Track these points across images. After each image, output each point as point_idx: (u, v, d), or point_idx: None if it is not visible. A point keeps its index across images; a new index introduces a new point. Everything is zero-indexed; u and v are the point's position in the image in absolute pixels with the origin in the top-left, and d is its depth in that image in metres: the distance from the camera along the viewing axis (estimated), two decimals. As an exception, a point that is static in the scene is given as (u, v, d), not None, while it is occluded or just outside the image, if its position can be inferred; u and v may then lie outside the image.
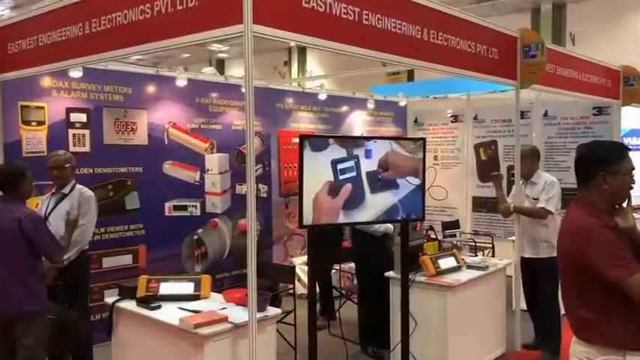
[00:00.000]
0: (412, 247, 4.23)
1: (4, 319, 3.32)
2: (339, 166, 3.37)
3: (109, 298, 3.69)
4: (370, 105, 7.67)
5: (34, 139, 4.66)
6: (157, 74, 5.49)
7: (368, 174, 3.48)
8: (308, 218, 3.26)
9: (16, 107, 4.55)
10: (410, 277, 4.09)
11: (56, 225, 3.98)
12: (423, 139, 3.75)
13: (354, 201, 3.42)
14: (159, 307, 3.44)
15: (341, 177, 3.37)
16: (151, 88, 5.45)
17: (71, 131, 4.89)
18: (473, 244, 6.31)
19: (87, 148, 5.00)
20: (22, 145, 4.58)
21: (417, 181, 3.68)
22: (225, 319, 3.11)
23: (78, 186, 4.15)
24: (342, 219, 3.41)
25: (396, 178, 3.61)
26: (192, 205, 5.76)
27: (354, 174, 3.42)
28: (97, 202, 4.96)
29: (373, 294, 4.72)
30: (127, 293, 3.66)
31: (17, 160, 3.58)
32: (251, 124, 2.79)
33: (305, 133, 6.14)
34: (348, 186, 3.33)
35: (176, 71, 5.53)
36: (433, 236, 4.92)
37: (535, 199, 4.64)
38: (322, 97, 7.01)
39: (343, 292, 5.59)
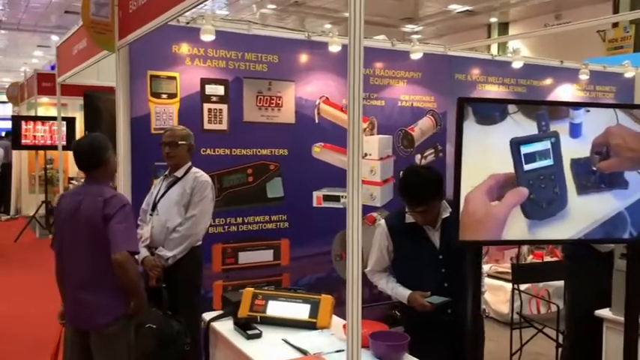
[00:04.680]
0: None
1: (80, 326, 2.72)
2: (525, 150, 2.10)
3: (207, 314, 2.91)
4: (584, 76, 5.95)
5: (164, 114, 4.10)
6: (308, 39, 4.62)
7: (574, 163, 2.15)
8: (467, 230, 2.07)
9: (146, 77, 4.02)
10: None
11: (164, 214, 3.34)
12: (676, 108, 2.27)
13: (548, 207, 2.13)
14: (258, 335, 2.55)
15: (526, 167, 2.11)
16: (300, 57, 4.61)
17: (206, 105, 4.25)
18: None
19: (224, 126, 4.33)
20: (150, 121, 4.05)
21: (661, 177, 2.23)
22: (333, 374, 2.10)
23: (193, 169, 3.46)
24: (524, 234, 2.14)
25: (624, 171, 2.21)
26: (346, 196, 4.82)
27: (549, 162, 2.13)
28: (235, 188, 4.38)
29: (586, 333, 3.26)
30: (231, 309, 2.85)
31: (97, 133, 2.99)
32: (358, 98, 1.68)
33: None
34: (521, 190, 2.05)
35: (329, 35, 4.60)
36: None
37: None
38: (517, 65, 5.53)
39: (532, 322, 4.18)
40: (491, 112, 2.10)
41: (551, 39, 12.87)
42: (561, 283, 4.54)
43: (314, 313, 2.66)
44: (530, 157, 2.10)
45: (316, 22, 15.93)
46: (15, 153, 11.37)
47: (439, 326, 2.69)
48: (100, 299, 2.62)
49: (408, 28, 17.14)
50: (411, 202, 2.74)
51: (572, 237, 2.20)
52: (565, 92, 5.97)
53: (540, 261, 5.36)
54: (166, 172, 3.53)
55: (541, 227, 2.15)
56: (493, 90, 5.54)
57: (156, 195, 3.43)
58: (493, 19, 16.37)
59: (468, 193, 1.98)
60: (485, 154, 2.07)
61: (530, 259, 5.60)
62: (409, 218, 2.82)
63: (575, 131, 2.16)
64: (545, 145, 2.12)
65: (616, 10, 12.67)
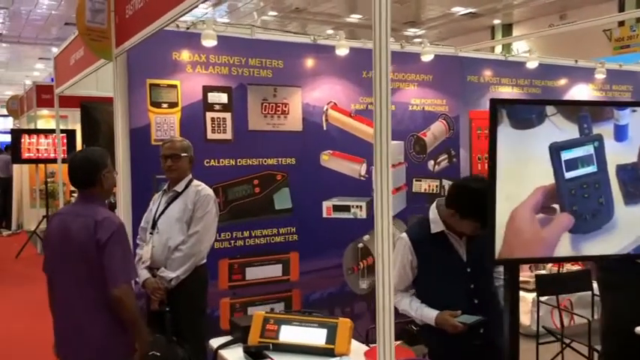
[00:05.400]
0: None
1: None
2: (565, 156, 1.88)
3: (214, 340, 2.68)
4: (600, 75, 5.73)
5: (165, 124, 3.90)
6: (313, 43, 4.42)
7: (620, 169, 1.93)
8: (504, 247, 1.85)
9: (145, 86, 3.82)
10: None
11: (165, 231, 3.13)
12: None
13: (593, 219, 1.91)
14: (271, 365, 2.33)
15: (567, 175, 1.89)
16: (306, 61, 4.40)
17: (209, 114, 4.04)
18: None
19: (228, 135, 4.12)
20: (150, 131, 3.85)
21: None
22: (355, 412, 1.87)
23: (195, 182, 3.25)
24: (567, 251, 1.92)
25: (676, 178, 1.99)
26: (357, 206, 4.60)
27: (592, 169, 1.91)
28: (241, 201, 4.18)
29: (625, 351, 2.98)
30: (240, 335, 2.63)
31: (94, 147, 2.77)
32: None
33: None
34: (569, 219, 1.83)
35: (335, 38, 4.40)
36: None
37: None
38: (532, 65, 5.32)
39: (558, 335, 3.94)
40: (527, 114, 1.89)
41: (556, 40, 12.65)
42: (585, 293, 4.31)
43: (331, 338, 2.43)
44: (572, 164, 1.89)
45: (318, 29, 15.78)
46: (16, 167, 11.19)
47: (470, 349, 2.45)
48: (92, 331, 2.39)
49: (411, 31, 16.96)
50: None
51: (620, 252, 1.98)
52: (581, 92, 5.76)
53: (562, 269, 5.11)
54: (165, 187, 3.31)
55: (585, 242, 1.93)
56: (507, 91, 5.33)
57: (155, 212, 3.21)
58: (496, 21, 16.18)
59: (513, 210, 1.76)
60: (524, 162, 1.85)
61: (549, 266, 5.36)
62: (434, 228, 2.55)
63: (620, 134, 1.94)
64: (587, 150, 1.91)
65: (622, 9, 12.46)
